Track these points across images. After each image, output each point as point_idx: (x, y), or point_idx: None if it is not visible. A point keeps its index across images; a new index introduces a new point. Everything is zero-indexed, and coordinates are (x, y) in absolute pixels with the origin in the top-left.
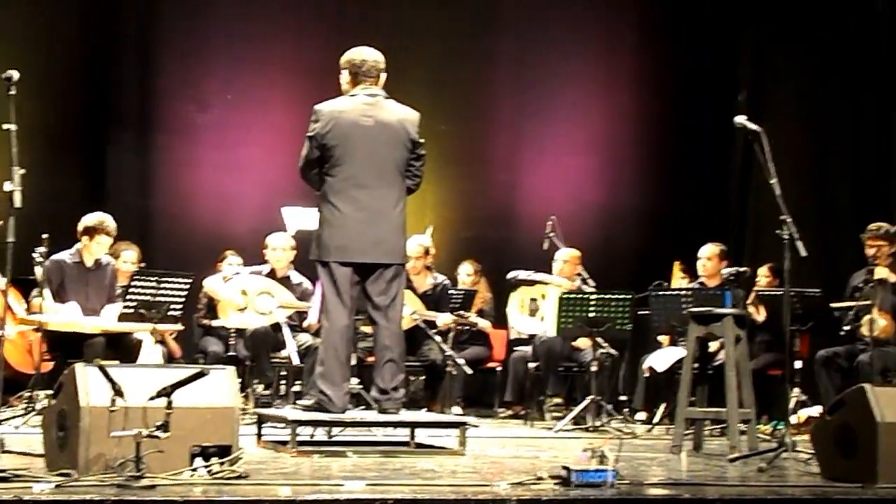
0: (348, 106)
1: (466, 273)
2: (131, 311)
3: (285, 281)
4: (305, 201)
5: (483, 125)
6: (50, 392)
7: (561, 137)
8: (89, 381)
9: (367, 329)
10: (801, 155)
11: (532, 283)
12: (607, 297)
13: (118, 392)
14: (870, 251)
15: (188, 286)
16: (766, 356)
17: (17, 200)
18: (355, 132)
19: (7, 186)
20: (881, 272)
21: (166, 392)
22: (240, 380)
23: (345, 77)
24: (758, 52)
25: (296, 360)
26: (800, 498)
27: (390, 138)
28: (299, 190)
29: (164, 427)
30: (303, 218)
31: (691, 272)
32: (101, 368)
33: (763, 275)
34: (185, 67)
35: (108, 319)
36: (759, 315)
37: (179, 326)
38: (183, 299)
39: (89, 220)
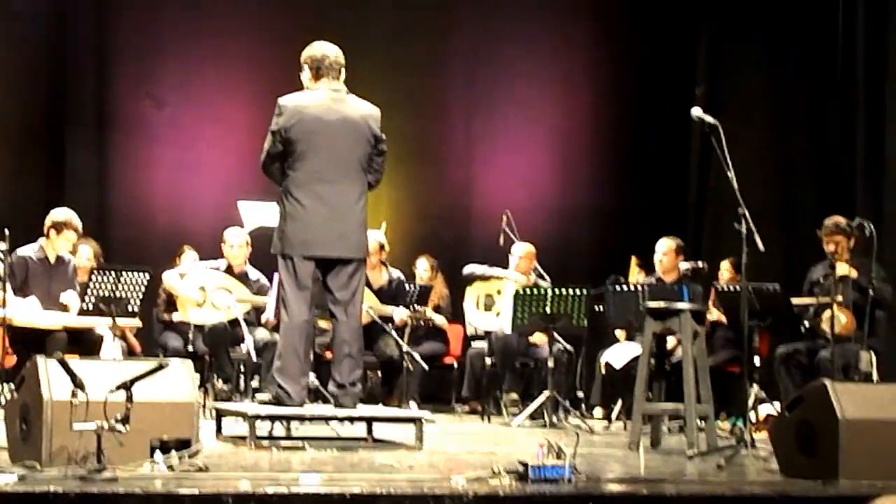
0: (312, 101)
1: (423, 269)
2: (91, 306)
3: (242, 277)
4: (263, 196)
5: (437, 122)
6: (13, 386)
7: (515, 133)
8: (51, 375)
9: (325, 324)
10: (760, 149)
11: (487, 278)
12: (563, 292)
13: (79, 385)
14: (829, 247)
15: (146, 281)
16: (724, 352)
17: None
18: (319, 127)
19: None
20: (842, 268)
21: (126, 385)
22: (199, 375)
23: (306, 73)
24: (715, 46)
25: (254, 356)
26: (758, 495)
27: (353, 133)
28: (256, 185)
29: (125, 420)
30: (259, 212)
31: (648, 267)
32: (62, 362)
33: (725, 269)
34: (140, 65)
35: (70, 307)
36: (722, 317)
37: (137, 323)
38: (141, 295)
39: (57, 215)
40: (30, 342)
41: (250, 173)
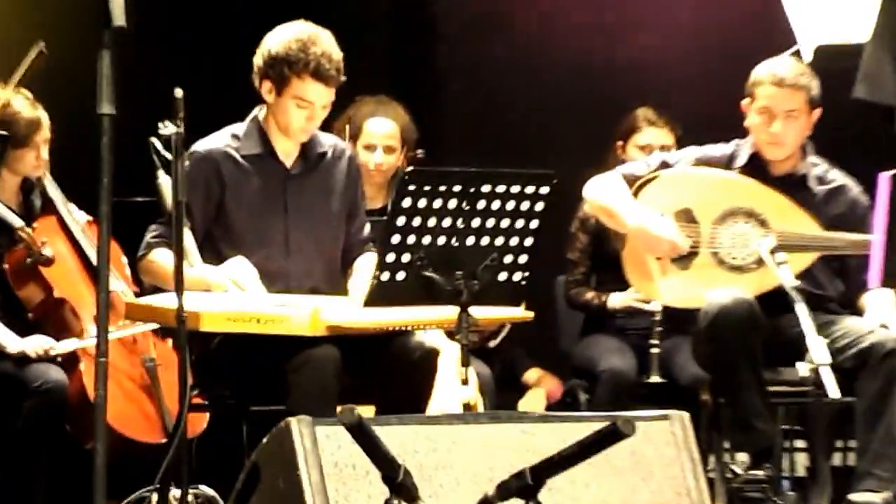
0: None
1: None
2: (403, 273)
3: None
4: None
5: None
6: (200, 489)
7: None
8: (325, 457)
9: None
10: None
11: None
12: None
13: (400, 489)
14: None
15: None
16: None
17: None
18: None
19: None
20: None
21: (525, 484)
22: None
23: None
24: None
25: (834, 392)
26: None
27: None
28: None
29: None
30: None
31: None
32: (356, 427)
33: None
34: None
35: (352, 298)
36: None
37: (526, 312)
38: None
39: (276, 41)
40: (247, 369)
41: None
